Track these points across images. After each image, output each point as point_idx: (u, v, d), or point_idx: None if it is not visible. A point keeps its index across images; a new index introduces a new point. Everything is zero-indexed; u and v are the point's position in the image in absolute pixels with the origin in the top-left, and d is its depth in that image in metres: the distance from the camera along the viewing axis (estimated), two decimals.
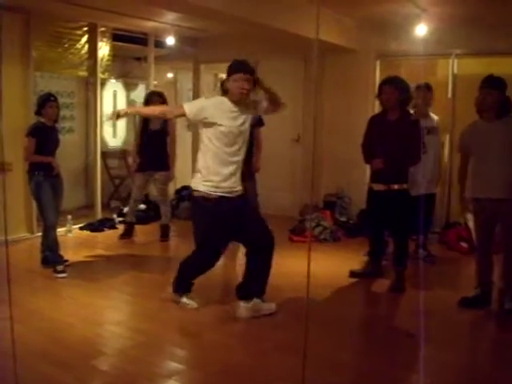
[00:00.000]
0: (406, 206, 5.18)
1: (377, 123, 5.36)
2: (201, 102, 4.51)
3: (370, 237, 5.61)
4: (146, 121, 6.79)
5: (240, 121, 4.31)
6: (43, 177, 5.38)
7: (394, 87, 5.12)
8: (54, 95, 5.59)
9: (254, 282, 4.51)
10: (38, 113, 5.49)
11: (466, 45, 6.94)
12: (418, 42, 6.38)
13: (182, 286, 4.66)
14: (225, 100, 4.32)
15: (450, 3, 6.04)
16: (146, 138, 6.79)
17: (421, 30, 6.37)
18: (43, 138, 5.39)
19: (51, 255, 5.45)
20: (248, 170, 6.48)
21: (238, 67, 4.32)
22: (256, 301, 4.45)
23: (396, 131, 5.09)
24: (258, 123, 6.65)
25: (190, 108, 4.33)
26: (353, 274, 5.53)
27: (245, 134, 4.38)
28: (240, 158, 4.39)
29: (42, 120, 5.44)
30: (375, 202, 5.35)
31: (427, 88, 5.98)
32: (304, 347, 2.45)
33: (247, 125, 4.39)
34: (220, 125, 4.23)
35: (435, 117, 6.08)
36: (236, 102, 4.30)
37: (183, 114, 4.34)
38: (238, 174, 4.41)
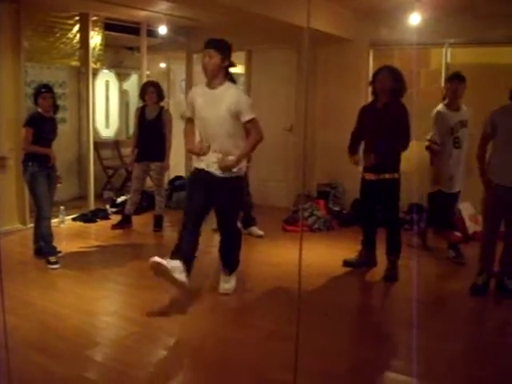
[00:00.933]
0: (397, 195, 5.21)
1: (366, 113, 5.36)
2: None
3: (362, 226, 5.61)
4: (142, 110, 6.77)
5: (210, 103, 4.40)
6: (38, 167, 5.35)
7: (389, 75, 5.12)
8: (47, 86, 5.56)
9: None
10: (35, 103, 5.47)
11: (460, 34, 6.92)
12: (411, 32, 6.36)
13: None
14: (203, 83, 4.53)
15: None
16: (142, 128, 6.76)
17: (414, 19, 6.35)
18: (40, 128, 5.37)
19: (45, 246, 5.44)
20: None
21: (204, 44, 4.49)
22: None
23: (384, 117, 5.10)
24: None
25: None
26: (346, 263, 5.54)
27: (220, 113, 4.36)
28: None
29: (39, 110, 5.41)
30: (367, 191, 5.36)
31: (459, 79, 5.59)
32: (296, 335, 2.45)
33: (223, 105, 4.34)
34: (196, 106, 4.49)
35: (467, 109, 5.75)
36: (208, 83, 4.46)
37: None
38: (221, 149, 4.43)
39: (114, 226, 6.91)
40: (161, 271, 4.21)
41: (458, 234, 6.37)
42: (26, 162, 5.40)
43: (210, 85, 4.45)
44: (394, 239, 5.25)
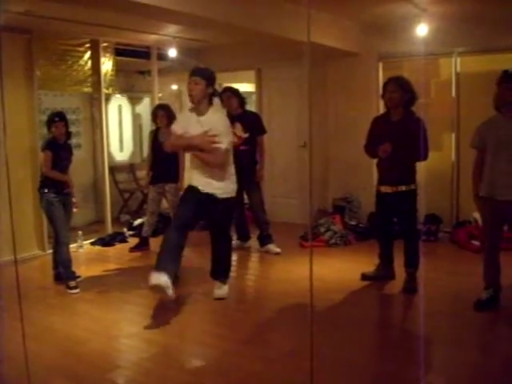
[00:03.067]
0: (414, 206, 5.16)
1: (380, 124, 5.30)
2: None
3: (379, 240, 5.56)
4: (155, 133, 6.84)
5: (193, 126, 4.77)
6: (54, 194, 5.41)
7: (397, 86, 5.07)
8: (60, 114, 5.62)
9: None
10: (49, 130, 5.54)
11: (468, 43, 6.92)
12: (419, 42, 6.37)
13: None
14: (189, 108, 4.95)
15: (449, 2, 6.04)
16: (156, 151, 6.79)
17: (422, 30, 6.35)
18: (56, 153, 5.44)
19: (64, 271, 5.47)
20: (250, 179, 6.53)
21: (190, 72, 4.81)
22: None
23: (399, 131, 5.02)
24: (259, 131, 6.71)
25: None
26: (364, 277, 5.50)
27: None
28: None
29: (54, 136, 5.49)
30: (383, 204, 5.31)
31: None
32: (310, 352, 2.44)
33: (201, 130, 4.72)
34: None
35: None
36: (194, 108, 4.83)
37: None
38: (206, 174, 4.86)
39: (132, 249, 6.94)
40: (157, 290, 4.56)
41: (475, 242, 6.33)
42: (42, 188, 5.46)
43: (196, 111, 4.83)
44: (412, 251, 5.20)
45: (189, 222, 4.88)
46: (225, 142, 4.73)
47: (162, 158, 6.70)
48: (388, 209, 5.30)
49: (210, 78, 4.80)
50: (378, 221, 5.62)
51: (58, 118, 5.50)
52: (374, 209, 5.60)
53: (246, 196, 6.84)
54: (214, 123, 4.73)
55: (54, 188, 5.42)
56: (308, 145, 8.19)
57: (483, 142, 4.57)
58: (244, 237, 7.00)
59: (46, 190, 5.42)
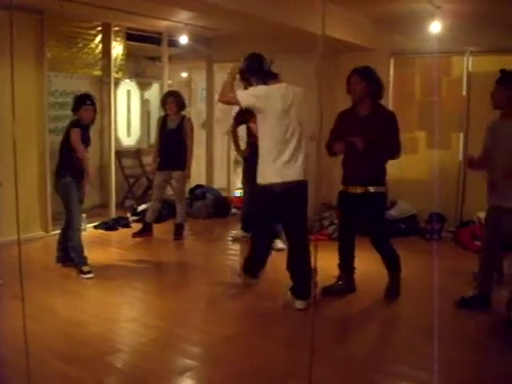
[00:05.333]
0: (384, 210, 5.01)
1: (345, 119, 4.94)
2: None
3: (340, 245, 5.06)
4: (164, 120, 6.82)
5: None
6: (72, 178, 5.34)
7: (360, 77, 4.75)
8: (91, 98, 5.54)
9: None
10: (74, 111, 5.48)
11: (481, 42, 6.88)
12: (432, 40, 6.34)
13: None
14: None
15: (464, 0, 6.00)
16: (164, 138, 6.81)
17: (435, 27, 6.32)
18: (81, 135, 5.38)
19: (76, 257, 5.39)
20: None
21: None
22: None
23: (369, 127, 4.66)
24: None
25: None
26: (325, 291, 4.91)
27: None
28: None
29: (78, 119, 5.42)
30: (348, 205, 4.93)
31: None
32: (311, 344, 2.45)
33: None
34: None
35: None
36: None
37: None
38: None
39: (135, 234, 6.94)
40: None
41: (478, 243, 6.31)
42: (61, 172, 5.39)
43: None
44: (386, 255, 4.89)
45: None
46: None
47: (170, 145, 6.73)
48: (353, 211, 4.89)
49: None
50: (340, 223, 5.21)
51: (89, 102, 5.44)
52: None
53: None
54: None
55: (72, 172, 5.36)
56: (316, 138, 8.17)
57: (486, 147, 4.52)
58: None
59: (63, 174, 5.35)
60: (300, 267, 4.55)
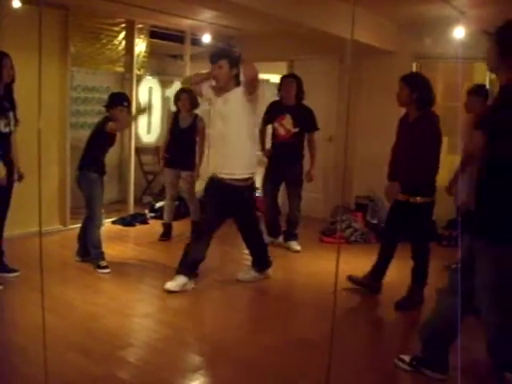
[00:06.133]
0: (425, 220, 4.84)
1: (400, 124, 4.93)
2: None
3: (383, 248, 5.04)
4: (175, 117, 6.71)
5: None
6: (96, 173, 5.37)
7: (404, 83, 4.72)
8: (128, 99, 5.54)
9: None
10: (108, 108, 5.48)
11: None
12: (455, 45, 6.29)
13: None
14: None
15: (489, 6, 5.95)
16: (175, 136, 6.67)
17: (459, 32, 6.27)
18: (111, 136, 5.41)
19: (94, 252, 5.43)
20: (293, 175, 6.45)
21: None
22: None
23: (412, 134, 4.61)
24: (311, 127, 6.49)
25: None
26: (350, 278, 5.09)
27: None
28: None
29: (110, 117, 5.42)
30: (394, 212, 4.90)
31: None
32: (330, 347, 2.44)
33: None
34: None
35: None
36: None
37: None
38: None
39: (161, 238, 6.78)
40: None
41: None
42: (87, 167, 5.39)
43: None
44: (417, 266, 4.80)
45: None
46: None
47: (180, 144, 6.61)
48: (397, 218, 4.87)
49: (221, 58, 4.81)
50: (387, 229, 5.16)
51: (126, 103, 5.45)
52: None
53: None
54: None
55: (96, 167, 5.37)
56: (336, 139, 8.17)
57: None
58: (276, 232, 6.70)
59: (88, 169, 5.35)
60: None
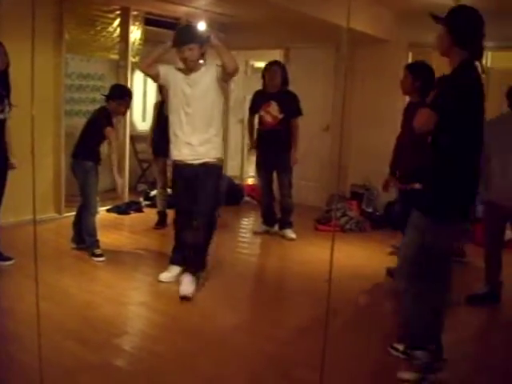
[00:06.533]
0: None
1: (404, 113, 4.89)
2: None
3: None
4: (161, 106, 6.58)
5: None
6: (92, 162, 5.34)
7: (408, 71, 4.80)
8: (130, 93, 5.52)
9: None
10: (108, 99, 5.44)
11: (501, 38, 6.80)
12: None
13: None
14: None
15: None
16: (161, 123, 6.39)
17: None
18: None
19: (89, 239, 5.43)
20: (283, 162, 6.35)
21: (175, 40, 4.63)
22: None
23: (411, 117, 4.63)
24: (295, 112, 6.40)
25: None
26: (389, 272, 4.99)
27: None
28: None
29: (108, 108, 5.39)
30: (405, 202, 4.77)
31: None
32: (324, 335, 2.45)
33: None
34: None
35: None
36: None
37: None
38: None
39: (156, 226, 6.75)
40: None
41: None
42: (82, 155, 5.36)
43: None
44: None
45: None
46: None
47: (166, 132, 6.51)
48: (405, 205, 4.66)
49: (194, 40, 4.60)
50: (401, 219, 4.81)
51: (128, 98, 5.44)
52: (393, 198, 5.29)
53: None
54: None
55: (92, 157, 5.35)
56: (332, 129, 8.16)
57: (486, 144, 4.43)
58: (271, 221, 6.70)
59: (84, 158, 5.33)
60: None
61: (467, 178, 3.17)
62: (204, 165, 4.55)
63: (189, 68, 4.60)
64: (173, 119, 4.66)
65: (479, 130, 3.22)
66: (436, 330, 3.37)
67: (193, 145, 4.55)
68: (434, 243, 3.18)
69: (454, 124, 3.08)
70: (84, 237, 5.47)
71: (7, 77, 4.82)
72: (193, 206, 4.58)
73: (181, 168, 4.66)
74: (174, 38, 4.65)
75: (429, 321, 3.32)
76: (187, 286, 4.51)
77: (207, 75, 4.56)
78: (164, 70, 4.71)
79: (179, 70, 4.69)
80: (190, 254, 4.66)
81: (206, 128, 4.56)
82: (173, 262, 4.93)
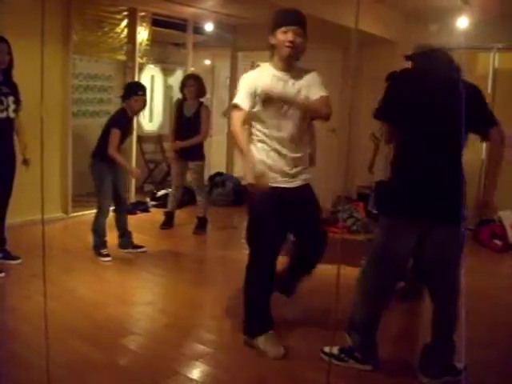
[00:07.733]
0: None
1: None
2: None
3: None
4: (180, 105, 6.58)
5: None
6: (107, 163, 5.29)
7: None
8: (143, 87, 5.47)
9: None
10: (123, 99, 5.42)
11: (508, 39, 6.80)
12: (458, 35, 6.27)
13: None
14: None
15: None
16: (180, 124, 6.53)
17: (462, 22, 6.25)
18: (123, 129, 5.33)
19: (97, 239, 5.45)
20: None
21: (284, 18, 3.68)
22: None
23: None
24: None
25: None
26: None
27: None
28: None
29: (126, 109, 5.37)
30: None
31: None
32: (332, 336, 2.46)
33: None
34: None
35: None
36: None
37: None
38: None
39: (163, 226, 6.78)
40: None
41: (498, 242, 6.28)
42: (98, 154, 5.34)
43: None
44: None
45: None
46: None
47: (186, 133, 6.44)
48: None
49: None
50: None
51: (141, 92, 5.38)
52: None
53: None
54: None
55: (107, 158, 5.29)
56: (338, 130, 8.15)
57: None
58: None
59: (99, 159, 5.32)
60: None
61: (413, 175, 3.30)
62: None
63: (288, 60, 3.80)
64: None
65: (429, 125, 3.27)
66: (367, 323, 3.45)
67: None
68: (376, 235, 3.57)
69: (396, 123, 3.47)
70: (93, 236, 5.48)
71: (11, 76, 4.83)
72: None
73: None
74: (274, 18, 3.79)
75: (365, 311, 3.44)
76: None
77: (309, 80, 3.92)
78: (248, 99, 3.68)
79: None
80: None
81: None
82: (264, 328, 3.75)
